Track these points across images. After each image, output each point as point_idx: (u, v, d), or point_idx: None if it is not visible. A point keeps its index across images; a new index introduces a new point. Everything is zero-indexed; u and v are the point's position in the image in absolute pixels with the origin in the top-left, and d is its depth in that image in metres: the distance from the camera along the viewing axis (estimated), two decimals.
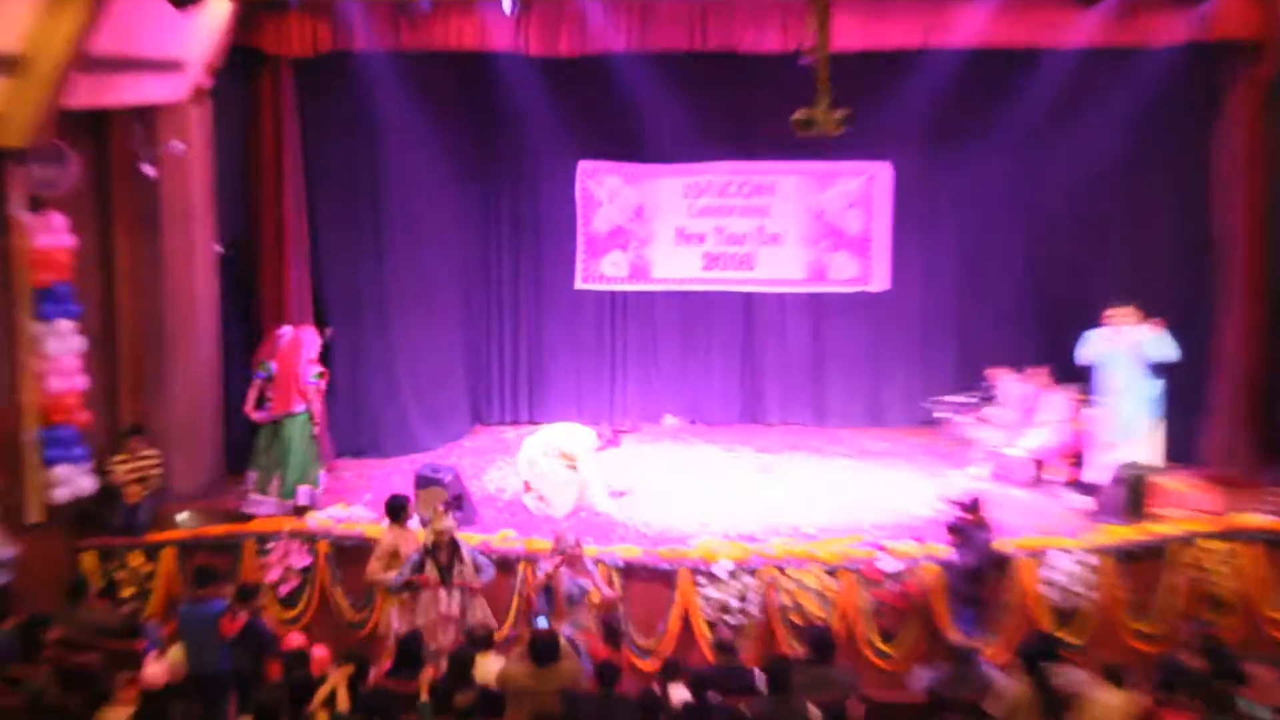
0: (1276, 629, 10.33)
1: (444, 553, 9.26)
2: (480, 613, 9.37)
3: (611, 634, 8.74)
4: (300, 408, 12.09)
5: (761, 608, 10.19)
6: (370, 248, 13.83)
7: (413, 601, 9.39)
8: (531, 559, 10.32)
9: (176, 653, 8.88)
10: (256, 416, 12.11)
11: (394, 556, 9.59)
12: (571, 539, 9.54)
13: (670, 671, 8.26)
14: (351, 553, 10.87)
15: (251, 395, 12.11)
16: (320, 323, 13.26)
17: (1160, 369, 11.69)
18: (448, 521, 9.38)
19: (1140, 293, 12.23)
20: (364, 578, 9.87)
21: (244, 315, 13.20)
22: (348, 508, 11.75)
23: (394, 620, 9.56)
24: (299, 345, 12.21)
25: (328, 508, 11.68)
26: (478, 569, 9.32)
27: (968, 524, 10.06)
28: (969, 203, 14.71)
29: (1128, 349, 11.78)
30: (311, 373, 12.20)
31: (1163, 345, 11.66)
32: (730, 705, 7.78)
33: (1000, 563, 10.12)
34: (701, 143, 14.53)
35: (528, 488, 12.04)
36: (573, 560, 9.40)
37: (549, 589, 9.32)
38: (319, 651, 9.16)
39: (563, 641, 8.35)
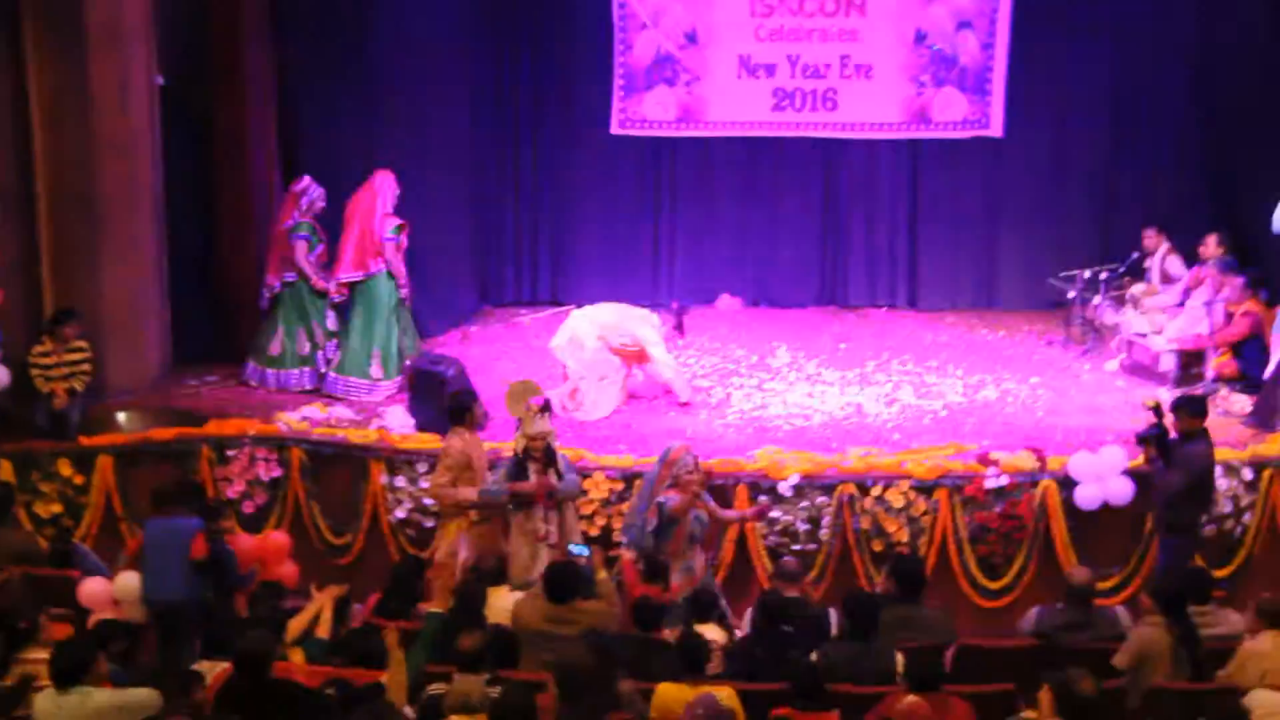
0: None
1: (539, 463, 9.35)
2: (577, 537, 9.49)
3: (653, 567, 8.91)
4: (378, 268, 12.54)
5: (836, 532, 10.35)
6: (353, 84, 13.83)
7: (493, 525, 9.55)
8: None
9: (128, 579, 9.17)
10: (321, 285, 12.65)
11: (466, 469, 9.67)
12: (691, 460, 9.49)
13: (701, 609, 8.45)
14: (331, 462, 11.11)
15: (306, 262, 12.58)
16: (288, 179, 13.30)
17: None
18: (544, 424, 9.43)
19: None
20: (435, 494, 9.97)
21: (194, 168, 13.33)
22: (326, 407, 11.99)
23: (461, 548, 9.67)
24: (375, 194, 12.64)
25: (301, 407, 11.93)
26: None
27: (1177, 431, 9.97)
28: (1116, 22, 14.52)
29: None
30: (389, 226, 12.60)
31: None
32: (795, 646, 7.95)
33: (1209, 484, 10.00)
34: None
35: (565, 377, 12.19)
36: (691, 488, 9.36)
37: (666, 524, 9.25)
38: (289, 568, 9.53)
39: (599, 574, 8.57)
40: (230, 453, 11.18)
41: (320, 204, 12.74)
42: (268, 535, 10.24)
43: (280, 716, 6.90)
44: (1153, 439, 9.80)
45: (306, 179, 12.75)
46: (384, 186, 12.70)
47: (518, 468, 9.35)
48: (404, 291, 12.77)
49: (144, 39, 12.38)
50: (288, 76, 13.58)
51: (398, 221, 12.68)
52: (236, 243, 13.29)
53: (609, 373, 12.10)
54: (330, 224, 12.87)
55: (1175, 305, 13.00)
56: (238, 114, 13.13)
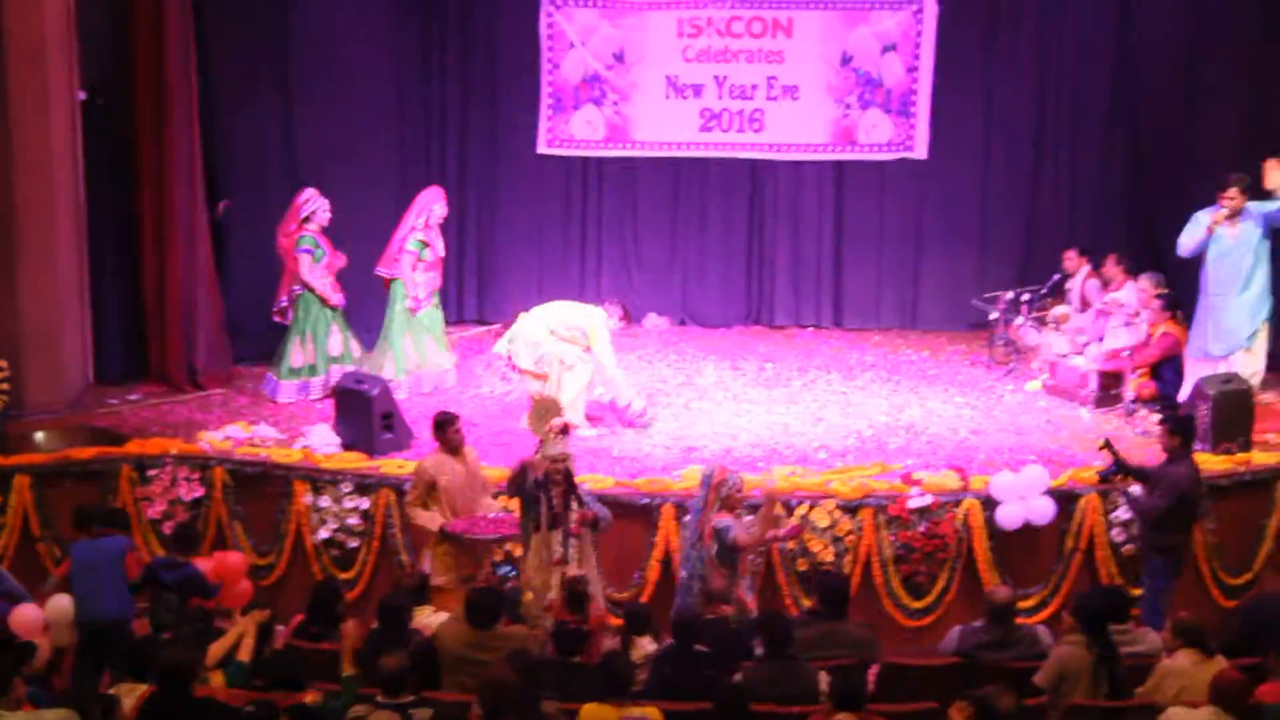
0: None
1: (558, 488, 9.16)
2: (592, 568, 9.35)
3: (574, 597, 8.87)
4: (392, 274, 12.94)
5: (761, 552, 10.33)
6: (278, 101, 13.78)
7: (457, 548, 9.43)
8: None
9: (60, 601, 9.07)
10: (331, 301, 12.83)
11: (431, 489, 9.64)
12: (737, 479, 9.44)
13: (637, 623, 8.45)
14: (254, 482, 11.02)
15: (310, 275, 12.68)
16: (213, 195, 13.33)
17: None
18: (564, 445, 9.31)
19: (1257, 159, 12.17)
20: (406, 512, 9.94)
21: (117, 183, 13.17)
22: (250, 427, 11.88)
23: (425, 565, 9.64)
24: (414, 204, 12.95)
25: (224, 426, 11.83)
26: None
27: (1164, 450, 10.02)
28: (1038, 48, 14.69)
29: (1238, 236, 11.81)
30: (411, 240, 12.80)
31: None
32: (718, 667, 7.96)
33: (1198, 498, 10.07)
34: None
35: (518, 370, 12.17)
36: (734, 506, 9.35)
37: (727, 547, 9.14)
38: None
39: (525, 597, 8.52)
40: (151, 472, 11.07)
41: (325, 215, 12.78)
42: (225, 555, 10.26)
43: None
44: (1115, 475, 9.94)
45: (309, 191, 12.77)
46: (426, 199, 12.95)
47: (535, 495, 9.12)
48: (410, 304, 12.89)
49: (64, 52, 12.28)
50: (213, 92, 13.47)
51: (420, 237, 12.79)
52: (160, 259, 13.10)
53: (576, 361, 12.03)
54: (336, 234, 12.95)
55: (1092, 326, 13.17)
56: (161, 129, 12.97)
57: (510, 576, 9.34)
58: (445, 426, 9.86)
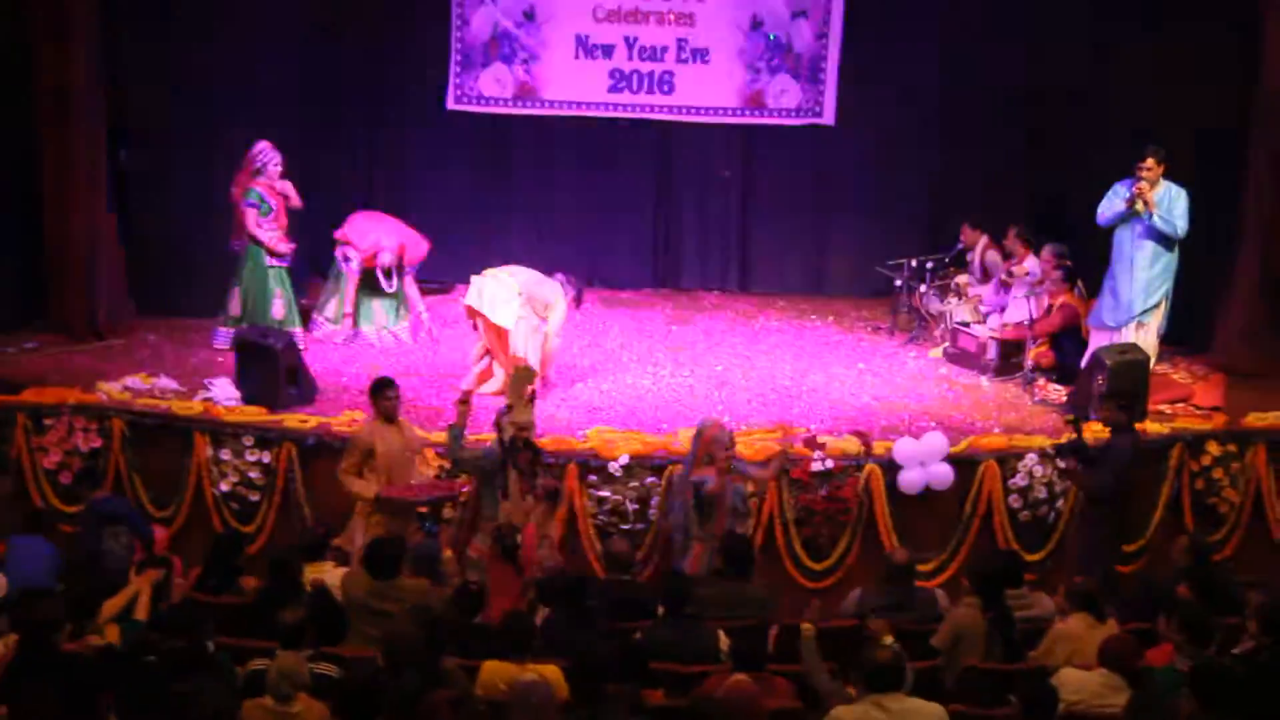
0: None
1: (524, 453, 9.11)
2: (552, 533, 9.34)
3: (505, 549, 8.81)
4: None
5: (665, 512, 10.39)
6: (181, 50, 13.50)
7: (392, 518, 9.33)
8: None
9: None
10: (278, 249, 12.72)
11: (369, 457, 9.50)
12: (728, 437, 9.46)
13: (547, 592, 8.46)
14: (154, 434, 10.90)
15: (256, 229, 12.62)
16: (115, 142, 13.14)
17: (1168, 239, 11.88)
18: (530, 414, 9.25)
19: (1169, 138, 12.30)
20: (339, 479, 9.73)
21: (15, 127, 12.90)
22: (150, 379, 11.72)
23: (356, 535, 9.51)
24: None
25: (124, 377, 11.67)
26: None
27: (1104, 422, 10.23)
28: (947, 15, 14.73)
29: (1143, 211, 11.93)
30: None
31: (1180, 208, 11.78)
32: (620, 627, 8.01)
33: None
34: None
35: (482, 323, 12.01)
36: (721, 464, 9.35)
37: (705, 501, 9.21)
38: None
39: (445, 553, 8.53)
40: (48, 421, 10.92)
41: (275, 168, 12.64)
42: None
43: (78, 690, 6.76)
44: (1070, 450, 10.11)
45: (262, 144, 12.64)
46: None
47: (503, 460, 9.11)
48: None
49: None
50: (116, 37, 13.20)
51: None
52: (60, 205, 12.87)
53: (532, 330, 11.96)
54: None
55: (993, 296, 13.33)
56: (62, 71, 12.69)
57: (432, 533, 9.30)
58: (381, 391, 9.71)
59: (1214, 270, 12.94)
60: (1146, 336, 11.92)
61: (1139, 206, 11.66)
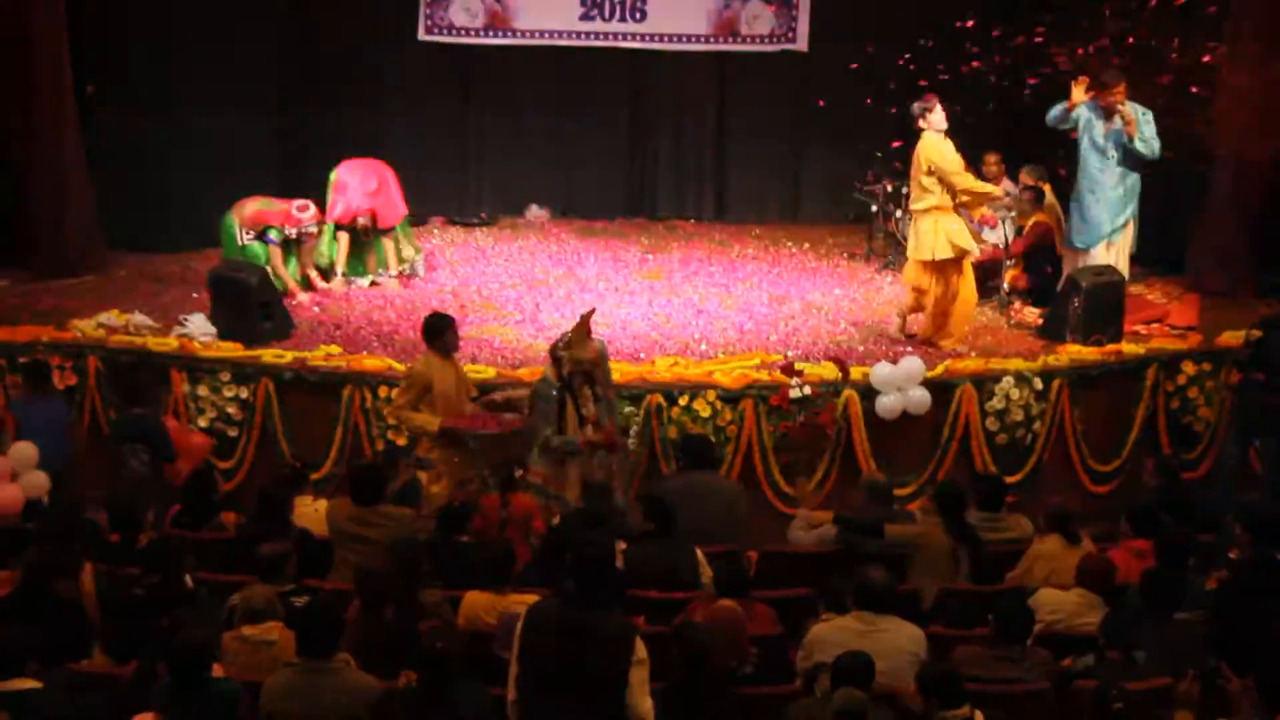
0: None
1: (584, 387, 9.01)
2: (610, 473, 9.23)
3: (505, 480, 8.76)
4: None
5: (643, 442, 10.39)
6: None
7: (451, 453, 9.18)
8: (361, 380, 10.46)
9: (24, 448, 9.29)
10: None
11: (426, 393, 9.28)
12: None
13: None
14: (130, 370, 10.84)
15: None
16: (81, 78, 12.98)
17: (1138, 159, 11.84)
18: (594, 348, 9.12)
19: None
20: (393, 415, 9.71)
21: None
22: (124, 315, 11.64)
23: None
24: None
25: (98, 314, 11.59)
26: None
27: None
28: None
29: (1109, 132, 11.88)
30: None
31: (1150, 130, 11.74)
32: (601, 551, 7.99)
33: None
34: None
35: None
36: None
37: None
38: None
39: (432, 489, 8.53)
40: (23, 360, 10.81)
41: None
42: (193, 434, 10.37)
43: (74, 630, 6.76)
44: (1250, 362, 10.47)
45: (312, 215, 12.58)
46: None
47: (561, 398, 9.03)
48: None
49: None
50: None
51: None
52: (27, 141, 12.75)
53: None
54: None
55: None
56: (20, 6, 12.53)
57: (425, 468, 9.24)
58: (444, 330, 9.50)
59: (1189, 189, 12.92)
60: (1117, 257, 11.92)
61: (1117, 124, 11.61)
